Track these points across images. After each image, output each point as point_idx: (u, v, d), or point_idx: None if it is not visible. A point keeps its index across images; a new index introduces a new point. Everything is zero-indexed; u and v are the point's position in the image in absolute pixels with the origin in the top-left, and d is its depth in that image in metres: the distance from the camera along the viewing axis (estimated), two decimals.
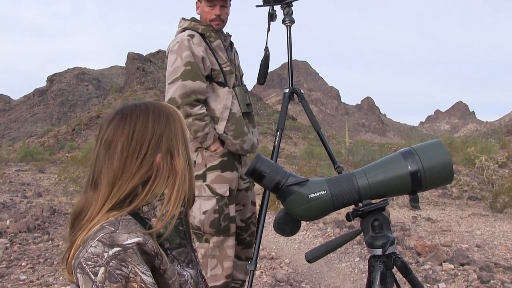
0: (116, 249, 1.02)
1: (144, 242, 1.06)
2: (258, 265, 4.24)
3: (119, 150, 1.15)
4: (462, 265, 4.14)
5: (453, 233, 5.97)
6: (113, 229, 1.06)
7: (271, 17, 2.81)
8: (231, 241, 2.67)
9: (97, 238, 1.04)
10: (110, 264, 1.01)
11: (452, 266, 4.08)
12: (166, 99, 2.62)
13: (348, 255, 4.85)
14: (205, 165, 2.67)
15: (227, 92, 2.69)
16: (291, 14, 2.81)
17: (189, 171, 1.21)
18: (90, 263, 1.02)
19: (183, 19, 2.82)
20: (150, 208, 1.15)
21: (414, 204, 1.44)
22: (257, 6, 2.83)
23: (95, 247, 1.03)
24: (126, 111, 1.21)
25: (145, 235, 1.08)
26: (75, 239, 1.11)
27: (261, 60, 2.86)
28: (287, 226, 1.48)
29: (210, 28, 2.73)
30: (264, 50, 2.85)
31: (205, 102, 2.67)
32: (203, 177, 2.65)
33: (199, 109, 2.58)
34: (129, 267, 1.02)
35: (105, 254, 1.01)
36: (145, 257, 1.07)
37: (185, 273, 1.19)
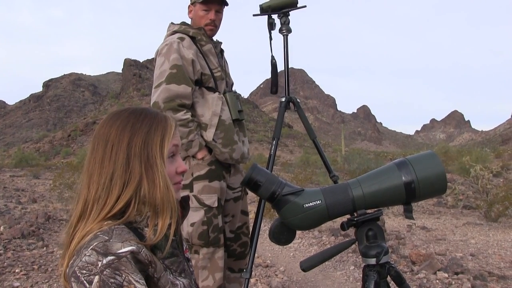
0: (110, 257, 1.03)
1: (137, 251, 1.07)
2: (253, 273, 4.23)
3: (96, 150, 1.17)
4: (456, 274, 4.16)
5: (447, 242, 5.98)
6: (107, 237, 1.06)
7: (271, 26, 2.78)
8: (221, 252, 2.59)
9: (91, 247, 1.05)
10: (104, 272, 1.01)
11: (446, 275, 4.09)
12: (151, 103, 2.52)
13: (343, 264, 4.84)
14: (192, 175, 2.57)
15: (216, 97, 2.60)
16: (288, 23, 2.80)
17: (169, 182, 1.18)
18: (84, 271, 1.02)
19: (172, 23, 2.76)
20: (143, 218, 1.15)
21: (408, 214, 1.45)
22: (254, 15, 2.81)
23: (89, 255, 1.03)
24: (111, 114, 1.23)
25: (139, 243, 1.08)
26: (68, 246, 1.12)
27: (271, 71, 2.82)
28: (282, 235, 1.49)
29: (202, 31, 2.67)
30: (271, 59, 2.80)
31: (192, 108, 2.58)
32: (189, 187, 2.56)
33: (183, 115, 2.48)
34: (123, 275, 1.02)
35: (99, 263, 1.02)
36: (139, 265, 1.07)
37: (177, 282, 1.18)
